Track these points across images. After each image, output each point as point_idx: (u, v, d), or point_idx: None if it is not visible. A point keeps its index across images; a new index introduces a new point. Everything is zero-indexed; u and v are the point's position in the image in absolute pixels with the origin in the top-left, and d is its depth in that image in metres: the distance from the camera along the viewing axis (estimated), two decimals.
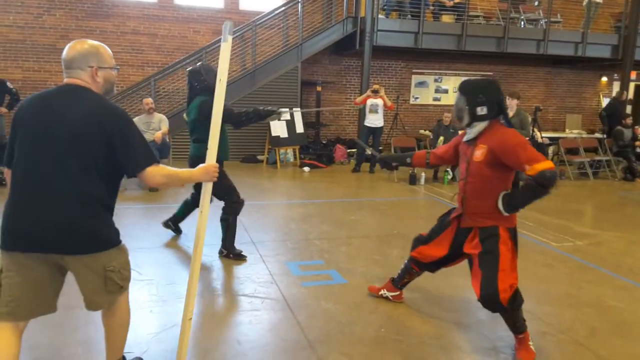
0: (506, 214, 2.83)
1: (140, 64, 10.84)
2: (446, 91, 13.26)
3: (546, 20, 11.68)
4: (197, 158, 4.09)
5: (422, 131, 12.16)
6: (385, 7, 11.05)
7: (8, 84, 7.75)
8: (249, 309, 3.43)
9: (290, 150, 10.47)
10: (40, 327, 2.80)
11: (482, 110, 2.88)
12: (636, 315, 3.56)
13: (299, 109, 10.27)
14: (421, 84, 12.98)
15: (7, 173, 2.21)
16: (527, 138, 7.71)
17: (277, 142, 9.82)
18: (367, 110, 9.37)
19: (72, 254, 2.10)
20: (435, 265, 3.36)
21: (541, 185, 2.64)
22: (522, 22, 12.20)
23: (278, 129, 9.82)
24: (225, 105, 4.00)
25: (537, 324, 3.33)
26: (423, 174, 8.56)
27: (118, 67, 2.34)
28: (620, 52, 12.09)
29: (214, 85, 4.21)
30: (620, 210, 7.08)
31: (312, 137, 11.51)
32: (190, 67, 4.43)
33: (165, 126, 7.53)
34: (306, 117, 11.32)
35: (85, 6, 10.35)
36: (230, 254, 4.46)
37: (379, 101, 9.27)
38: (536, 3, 13.01)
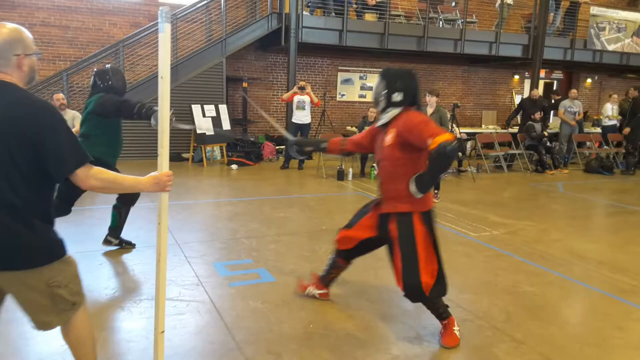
0: (419, 196, 2.88)
1: (51, 57, 10.13)
2: (371, 88, 13.53)
3: (463, 20, 12.24)
4: None
5: (349, 127, 12.34)
6: (309, 4, 11.08)
7: None
8: (173, 313, 3.30)
9: (217, 148, 10.24)
10: None
11: (398, 97, 2.98)
12: (547, 299, 3.81)
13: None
14: (347, 81, 13.17)
15: None
16: None
17: (203, 139, 9.57)
18: (295, 107, 9.37)
19: (3, 270, 1.88)
20: (357, 251, 3.36)
21: (442, 155, 2.68)
22: (441, 22, 12.70)
23: (203, 125, 9.57)
24: (114, 98, 3.81)
25: (458, 311, 3.47)
26: (350, 170, 8.70)
27: (40, 52, 2.06)
28: (530, 51, 12.91)
29: (117, 87, 4.06)
30: (532, 200, 7.57)
31: (239, 133, 11.33)
32: (97, 68, 4.39)
33: (78, 124, 7.08)
34: (232, 113, 11.13)
35: None
36: (123, 242, 4.52)
37: (306, 98, 9.29)
38: (453, 4, 13.60)
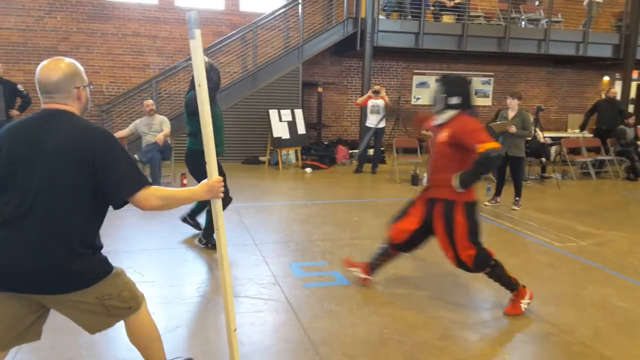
0: (460, 190, 3.25)
1: (142, 66, 10.85)
2: None
3: (547, 20, 11.67)
4: (192, 150, 4.46)
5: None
6: (385, 8, 11.05)
7: (19, 86, 7.74)
8: (252, 310, 3.42)
9: (292, 152, 10.47)
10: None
11: (456, 100, 3.35)
12: None
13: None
14: (422, 84, 12.98)
15: None
16: (529, 138, 7.71)
17: (279, 143, 9.82)
18: (369, 111, 9.36)
19: (51, 294, 1.95)
20: (410, 243, 3.64)
21: (487, 159, 3.12)
22: (523, 22, 12.19)
23: (280, 130, 9.82)
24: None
25: (541, 324, 3.32)
26: (425, 175, 8.54)
27: (92, 84, 2.19)
28: (622, 51, 12.06)
29: (213, 82, 4.31)
30: (623, 210, 7.05)
31: (313, 138, 11.51)
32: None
33: (167, 128, 7.53)
34: (308, 118, 11.32)
35: (87, 9, 10.37)
36: (209, 243, 4.64)
37: (380, 102, 9.26)
38: (537, 3, 13.00)
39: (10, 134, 1.98)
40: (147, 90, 10.12)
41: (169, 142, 7.72)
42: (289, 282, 3.96)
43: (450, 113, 3.37)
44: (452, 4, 11.31)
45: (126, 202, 1.99)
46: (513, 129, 6.48)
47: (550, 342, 3.10)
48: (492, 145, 3.13)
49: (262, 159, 10.31)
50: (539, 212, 6.54)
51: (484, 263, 3.35)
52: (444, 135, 3.36)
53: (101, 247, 2.10)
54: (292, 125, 10.05)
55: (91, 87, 2.15)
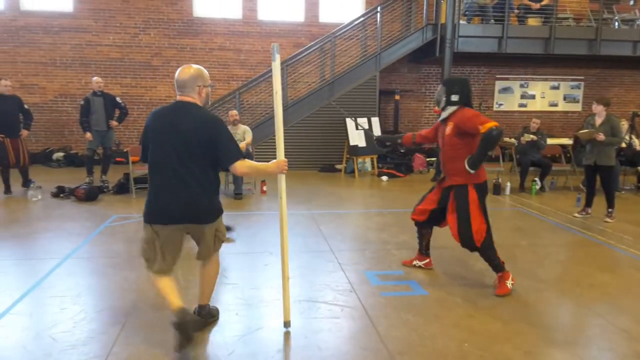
0: (472, 171, 3.79)
1: (226, 78, 11.38)
2: (533, 97, 12.68)
3: None
4: None
5: (506, 139, 11.67)
6: (467, 13, 10.80)
7: (117, 99, 8.40)
8: (329, 316, 3.48)
9: (368, 160, 10.48)
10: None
11: (454, 98, 3.91)
12: None
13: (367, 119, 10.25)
14: (505, 89, 12.52)
15: (143, 167, 2.95)
16: (622, 146, 7.18)
17: (355, 151, 9.87)
18: None
19: (196, 224, 2.90)
20: (430, 221, 4.31)
21: (490, 137, 3.58)
22: (617, 23, 11.40)
23: (356, 138, 9.88)
24: None
25: (634, 344, 3.09)
26: (508, 184, 8.23)
27: (214, 84, 3.00)
28: None
29: None
30: None
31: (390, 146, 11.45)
32: None
33: (249, 137, 7.83)
34: (384, 126, 11.29)
35: (177, 25, 11.07)
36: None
37: None
38: (632, 2, 12.10)
39: (155, 118, 2.88)
40: (231, 101, 10.60)
41: (250, 149, 8.02)
42: (365, 289, 3.98)
43: (452, 109, 3.93)
44: (538, 6, 10.84)
45: (232, 164, 2.84)
46: (601, 136, 6.06)
47: None
48: (493, 124, 3.60)
49: (338, 167, 10.42)
50: (634, 225, 6.07)
51: (490, 241, 3.87)
52: (449, 128, 3.91)
53: (219, 193, 3.01)
54: (368, 133, 10.05)
55: (212, 87, 3.00)
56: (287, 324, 3.24)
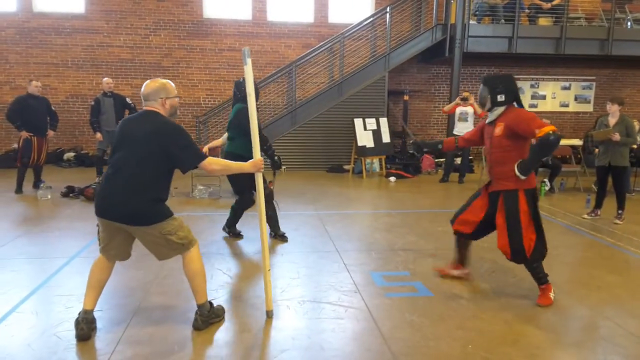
0: (522, 178, 3.53)
1: (236, 78, 11.37)
2: (544, 97, 12.56)
3: None
4: (228, 153, 4.97)
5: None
6: (477, 13, 10.74)
7: (128, 99, 8.50)
8: (333, 317, 3.47)
9: (376, 160, 10.46)
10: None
11: (500, 98, 3.64)
12: None
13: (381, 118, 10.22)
14: None
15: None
16: (635, 146, 7.09)
17: (364, 151, 9.85)
18: (457, 118, 9.13)
19: (129, 224, 2.97)
20: (476, 233, 3.93)
21: (547, 142, 3.32)
22: (629, 23, 11.26)
23: (364, 139, 9.86)
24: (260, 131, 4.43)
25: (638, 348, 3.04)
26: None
27: (179, 96, 3.23)
28: None
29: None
30: None
31: (398, 146, 11.41)
32: (236, 80, 5.22)
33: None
34: (393, 126, 11.26)
35: (187, 26, 11.13)
36: (231, 232, 5.36)
37: (469, 109, 8.99)
38: None
39: (123, 124, 3.12)
40: None
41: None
42: (370, 290, 3.97)
43: (500, 109, 3.67)
44: (549, 5, 10.75)
45: (193, 168, 3.04)
46: (617, 136, 5.99)
47: None
48: (551, 128, 3.32)
49: (346, 167, 10.40)
50: None
51: (541, 254, 3.60)
52: (498, 129, 3.63)
53: (165, 199, 3.05)
54: (376, 133, 10.05)
55: (177, 99, 3.15)
56: (269, 313, 3.40)
